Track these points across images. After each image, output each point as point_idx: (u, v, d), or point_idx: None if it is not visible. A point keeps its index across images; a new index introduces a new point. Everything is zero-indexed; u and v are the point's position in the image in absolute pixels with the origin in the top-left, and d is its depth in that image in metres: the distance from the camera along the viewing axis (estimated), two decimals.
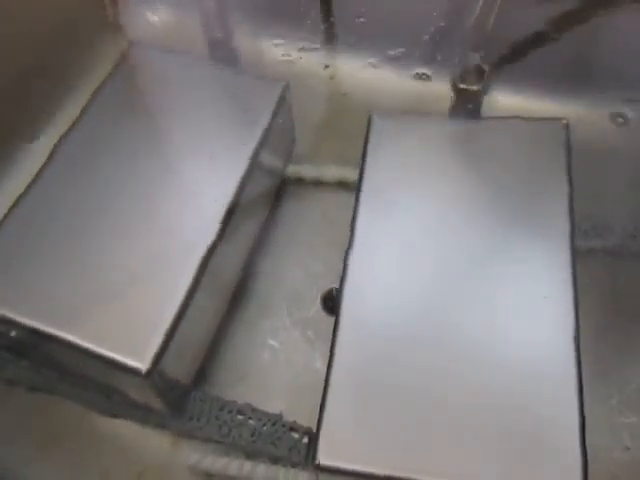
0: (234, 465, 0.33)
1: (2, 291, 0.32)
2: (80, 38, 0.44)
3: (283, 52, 0.46)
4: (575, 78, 0.40)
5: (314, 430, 0.30)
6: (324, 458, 0.28)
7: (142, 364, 0.30)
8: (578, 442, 0.27)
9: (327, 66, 0.43)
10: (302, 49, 0.45)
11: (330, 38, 0.43)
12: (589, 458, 0.27)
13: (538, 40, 0.38)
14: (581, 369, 0.29)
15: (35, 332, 0.31)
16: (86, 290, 0.32)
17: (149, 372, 0.30)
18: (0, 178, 0.42)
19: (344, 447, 0.28)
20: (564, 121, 0.35)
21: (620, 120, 0.40)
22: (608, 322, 0.35)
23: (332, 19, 0.35)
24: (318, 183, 0.43)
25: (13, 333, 0.32)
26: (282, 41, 0.45)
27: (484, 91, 0.37)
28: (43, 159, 0.37)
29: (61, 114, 0.41)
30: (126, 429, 0.35)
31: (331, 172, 0.42)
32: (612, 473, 0.31)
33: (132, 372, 0.30)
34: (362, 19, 0.40)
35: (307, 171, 0.43)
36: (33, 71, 0.41)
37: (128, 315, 0.31)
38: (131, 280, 0.33)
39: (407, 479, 0.27)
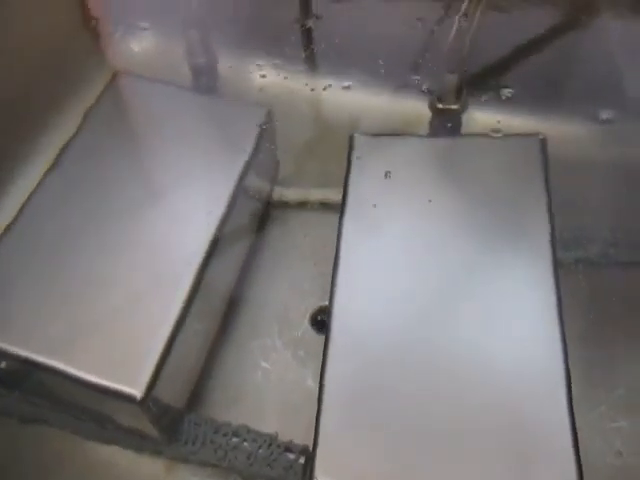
0: None
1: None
2: (66, 68, 0.44)
3: (265, 77, 0.46)
4: (551, 93, 0.41)
5: (310, 449, 0.30)
6: (322, 477, 0.28)
7: (136, 391, 0.30)
8: (572, 451, 0.28)
9: (310, 89, 0.44)
10: (284, 73, 0.46)
11: (311, 63, 0.44)
12: (583, 466, 0.27)
13: (512, 58, 0.39)
14: (570, 378, 0.30)
15: (27, 362, 0.31)
16: (76, 318, 0.32)
17: (143, 399, 0.30)
18: None
19: (341, 465, 0.29)
20: (541, 136, 0.36)
21: (596, 133, 0.41)
22: (593, 330, 0.36)
23: (313, 47, 0.35)
24: (302, 204, 0.43)
25: (4, 364, 0.32)
26: (264, 66, 0.46)
27: (462, 110, 0.38)
28: (31, 188, 0.37)
29: (48, 143, 0.41)
30: (121, 456, 0.35)
31: (315, 193, 0.42)
32: (606, 479, 0.31)
33: (126, 399, 0.30)
34: (342, 44, 0.41)
35: (291, 193, 0.43)
36: (18, 102, 0.42)
37: (120, 341, 0.32)
38: (121, 306, 0.33)
39: None
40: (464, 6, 0.33)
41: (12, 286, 0.33)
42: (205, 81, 0.42)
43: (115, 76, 0.42)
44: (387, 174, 0.37)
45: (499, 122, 0.41)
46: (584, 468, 0.27)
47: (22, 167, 0.43)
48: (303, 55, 0.41)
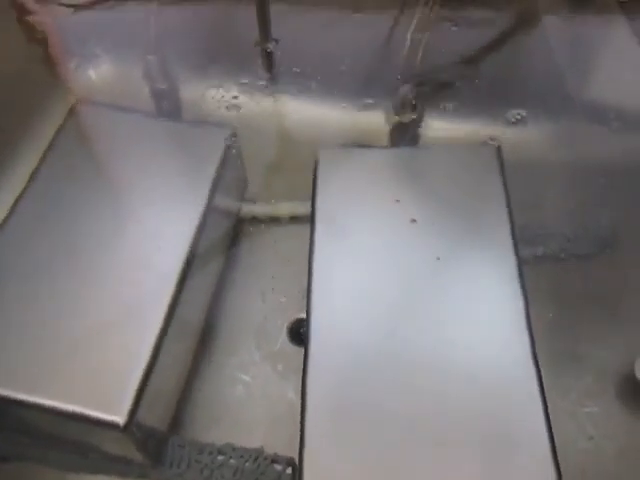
0: None
1: None
2: (27, 98, 0.44)
3: (227, 96, 0.47)
4: (501, 101, 0.43)
5: (296, 459, 0.31)
6: None
7: (119, 417, 0.30)
8: (546, 437, 0.29)
9: (272, 107, 0.45)
10: (246, 91, 0.47)
11: (273, 83, 0.45)
12: (557, 450, 0.28)
13: (461, 71, 0.41)
14: (539, 368, 0.31)
15: (3, 400, 0.31)
16: (52, 349, 0.32)
17: (126, 425, 0.30)
18: None
19: (328, 473, 0.29)
20: (496, 144, 0.38)
21: (546, 136, 0.43)
22: (558, 321, 0.38)
23: (273, 68, 0.36)
24: (271, 219, 0.44)
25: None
26: (225, 86, 0.47)
27: (419, 120, 0.39)
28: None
29: (12, 174, 0.41)
30: None
31: (283, 208, 0.43)
32: (580, 463, 0.33)
33: (109, 427, 0.30)
34: (301, 63, 0.42)
35: (260, 209, 0.44)
36: None
37: (99, 369, 0.31)
38: (97, 334, 0.33)
39: None
40: (414, 22, 0.34)
41: None
42: (167, 105, 0.43)
43: (76, 105, 0.42)
44: (353, 186, 0.38)
45: (454, 130, 0.43)
46: (558, 452, 0.29)
47: None
48: (265, 76, 0.41)
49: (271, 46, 0.40)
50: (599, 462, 0.33)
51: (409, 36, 0.36)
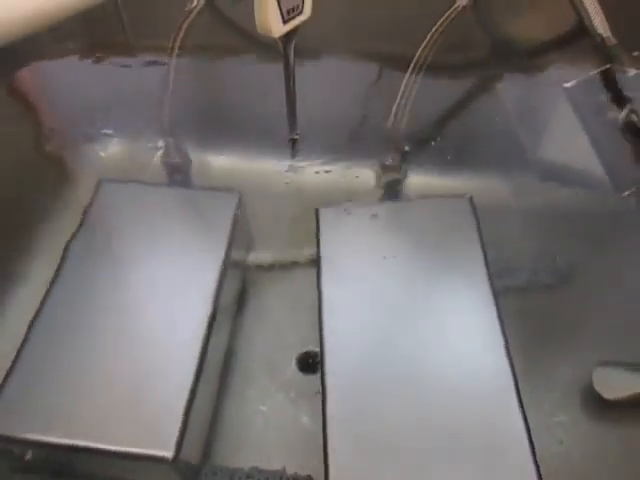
0: None
1: (31, 418, 0.36)
2: (54, 182, 0.49)
3: (232, 161, 0.53)
4: (472, 158, 0.50)
5: (313, 477, 0.38)
6: None
7: (168, 452, 0.35)
8: (527, 443, 0.35)
9: (274, 171, 0.51)
10: (250, 159, 0.52)
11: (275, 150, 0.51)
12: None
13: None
14: (517, 383, 0.37)
15: (63, 447, 0.35)
16: (103, 401, 0.37)
17: (174, 458, 0.35)
18: None
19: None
20: (468, 196, 0.44)
21: (509, 187, 0.49)
22: (529, 343, 0.44)
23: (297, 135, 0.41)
24: (275, 265, 0.49)
25: (44, 453, 0.36)
26: (230, 151, 0.53)
27: (403, 178, 0.45)
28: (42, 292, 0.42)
29: (50, 249, 0.45)
30: None
31: (285, 255, 0.49)
32: (553, 464, 0.39)
33: (159, 461, 0.35)
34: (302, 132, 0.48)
35: (265, 257, 0.49)
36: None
37: (144, 413, 0.36)
38: (141, 384, 0.37)
39: None
40: (399, 95, 0.40)
41: (41, 387, 0.37)
42: (179, 176, 0.48)
43: (100, 183, 0.47)
44: (351, 236, 0.44)
45: (432, 184, 0.49)
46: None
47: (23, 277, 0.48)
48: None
49: (297, 135, 0.45)
50: (569, 463, 0.39)
51: (394, 109, 0.42)
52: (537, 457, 0.34)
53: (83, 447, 0.35)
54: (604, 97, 0.37)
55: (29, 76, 0.53)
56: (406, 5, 0.43)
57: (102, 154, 0.54)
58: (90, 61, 0.54)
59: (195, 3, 0.44)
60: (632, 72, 0.35)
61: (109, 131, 0.57)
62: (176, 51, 0.43)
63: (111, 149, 0.55)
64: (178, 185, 0.51)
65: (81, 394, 0.37)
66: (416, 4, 0.45)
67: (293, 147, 0.45)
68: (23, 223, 0.50)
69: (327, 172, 0.50)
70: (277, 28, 0.26)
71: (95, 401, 0.37)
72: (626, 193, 0.38)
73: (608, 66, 0.36)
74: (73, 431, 0.36)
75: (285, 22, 0.26)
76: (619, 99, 0.36)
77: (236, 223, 0.44)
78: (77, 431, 0.36)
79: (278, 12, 0.25)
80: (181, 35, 0.43)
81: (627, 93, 0.36)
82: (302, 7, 0.26)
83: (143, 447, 0.35)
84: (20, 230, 0.50)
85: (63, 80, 0.54)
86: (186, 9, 0.43)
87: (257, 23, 0.26)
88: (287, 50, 0.31)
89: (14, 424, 0.36)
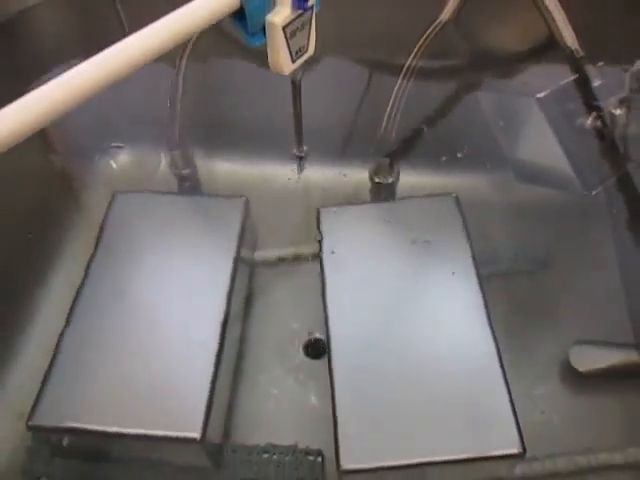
0: None
1: (71, 410, 0.40)
2: (68, 196, 0.53)
3: (240, 167, 0.57)
4: (458, 158, 0.54)
5: (323, 451, 0.42)
6: (346, 464, 0.39)
7: (196, 434, 0.39)
8: (511, 412, 0.39)
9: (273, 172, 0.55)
10: (255, 164, 0.57)
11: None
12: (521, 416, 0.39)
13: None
14: (502, 360, 0.42)
15: (103, 434, 0.40)
16: (135, 392, 0.41)
17: (202, 438, 0.39)
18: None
19: (359, 453, 0.39)
20: (454, 195, 0.49)
21: (493, 186, 0.54)
22: (512, 324, 0.48)
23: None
24: (280, 260, 0.54)
25: (81, 440, 0.41)
26: (235, 156, 0.57)
27: (395, 180, 0.49)
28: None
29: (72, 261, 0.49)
30: None
31: (288, 251, 0.53)
32: (535, 431, 0.43)
33: (188, 442, 0.40)
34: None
35: (271, 254, 0.54)
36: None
37: (173, 401, 0.41)
38: (168, 375, 0.42)
39: (410, 464, 0.38)
40: (392, 99, 0.44)
41: (79, 380, 0.42)
42: (188, 183, 0.52)
43: (115, 194, 0.51)
44: (349, 232, 0.48)
45: (423, 182, 0.54)
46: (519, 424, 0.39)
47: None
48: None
49: (303, 153, 0.49)
50: (549, 429, 0.44)
51: (385, 118, 0.46)
52: (520, 424, 0.39)
53: (118, 433, 0.40)
54: (573, 105, 0.41)
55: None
56: (393, 17, 0.47)
57: (114, 165, 0.58)
58: None
59: None
60: (597, 82, 0.39)
61: (119, 144, 0.61)
62: (182, 70, 0.47)
63: (122, 160, 0.59)
64: (188, 192, 0.55)
65: (114, 386, 0.41)
66: (403, 15, 0.48)
67: (300, 163, 0.49)
68: (43, 232, 0.54)
69: (326, 175, 0.55)
70: (287, 67, 0.30)
71: (127, 392, 0.41)
72: (594, 192, 0.42)
73: (576, 76, 0.40)
74: (108, 419, 0.40)
75: (294, 61, 0.30)
76: (587, 107, 0.41)
77: (244, 227, 0.49)
78: (112, 419, 0.40)
79: (288, 54, 0.29)
80: (187, 53, 0.47)
81: (593, 101, 0.40)
82: (307, 46, 0.30)
83: (173, 430, 0.40)
84: (41, 238, 0.54)
85: None
86: None
87: (270, 63, 0.30)
88: (295, 80, 0.35)
89: (56, 416, 0.40)
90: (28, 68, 0.60)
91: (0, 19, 0.58)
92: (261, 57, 0.31)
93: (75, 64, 0.27)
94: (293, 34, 0.29)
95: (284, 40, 0.29)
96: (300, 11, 0.29)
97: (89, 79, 0.27)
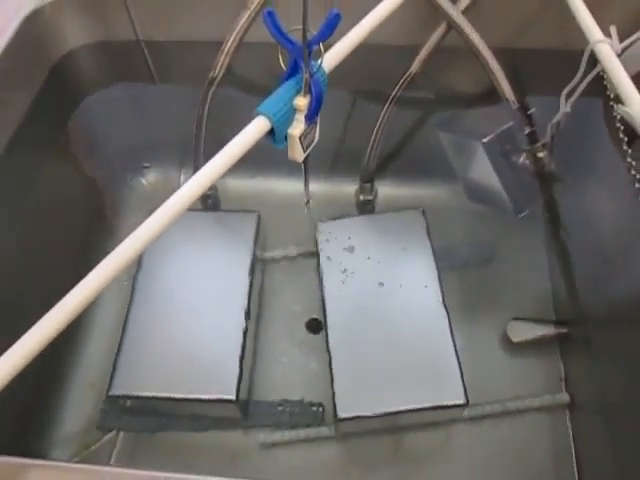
0: (285, 435, 0.59)
1: (139, 380, 0.55)
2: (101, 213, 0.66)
3: (256, 185, 0.71)
4: (426, 175, 0.69)
5: (324, 403, 0.57)
6: (341, 413, 0.53)
7: (231, 395, 0.54)
8: (458, 372, 0.54)
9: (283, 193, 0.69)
10: (267, 184, 0.71)
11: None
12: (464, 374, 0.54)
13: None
14: (453, 333, 0.56)
15: (156, 398, 0.54)
16: (184, 365, 0.55)
17: (236, 399, 0.54)
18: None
19: (350, 404, 0.54)
20: (421, 209, 0.63)
21: (453, 196, 0.68)
22: (464, 304, 0.63)
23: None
24: (285, 258, 0.68)
25: (145, 403, 0.55)
26: (254, 178, 0.71)
27: (374, 197, 0.63)
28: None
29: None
30: (218, 434, 0.59)
31: (292, 250, 0.67)
32: (478, 386, 0.56)
33: (225, 402, 0.54)
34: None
35: (277, 254, 0.68)
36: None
37: (214, 370, 0.55)
38: (207, 351, 0.56)
39: (388, 412, 0.53)
40: (375, 130, 0.57)
41: (143, 356, 0.56)
42: (210, 202, 0.66)
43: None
44: (339, 238, 0.62)
45: (396, 194, 0.68)
46: (464, 379, 0.54)
47: None
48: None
49: (309, 200, 0.61)
50: (489, 383, 0.59)
51: (368, 150, 0.58)
52: (465, 381, 0.54)
53: (171, 397, 0.54)
54: (509, 146, 0.54)
55: (78, 117, 0.67)
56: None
57: (144, 182, 0.71)
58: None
59: (216, 72, 0.58)
60: (526, 130, 0.52)
61: (148, 164, 0.74)
62: (205, 119, 0.58)
63: (150, 178, 0.72)
64: (210, 208, 0.69)
65: (168, 362, 0.56)
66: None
67: (306, 205, 0.62)
68: (96, 242, 0.68)
69: (321, 194, 0.69)
70: (300, 156, 0.42)
71: (178, 366, 0.55)
72: (521, 215, 0.56)
73: (511, 124, 0.52)
74: (167, 387, 0.54)
75: (305, 151, 0.42)
76: (519, 149, 0.53)
77: (257, 236, 0.63)
78: (169, 387, 0.54)
79: (301, 149, 0.41)
80: (208, 103, 0.58)
81: (523, 145, 0.53)
82: (314, 139, 0.43)
83: (214, 394, 0.54)
84: (95, 247, 0.67)
85: (103, 117, 0.69)
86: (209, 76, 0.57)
87: (289, 155, 0.42)
88: (305, 162, 0.47)
89: (128, 386, 0.55)
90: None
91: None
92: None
93: None
94: (305, 137, 0.41)
95: (299, 143, 0.42)
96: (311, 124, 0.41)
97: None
